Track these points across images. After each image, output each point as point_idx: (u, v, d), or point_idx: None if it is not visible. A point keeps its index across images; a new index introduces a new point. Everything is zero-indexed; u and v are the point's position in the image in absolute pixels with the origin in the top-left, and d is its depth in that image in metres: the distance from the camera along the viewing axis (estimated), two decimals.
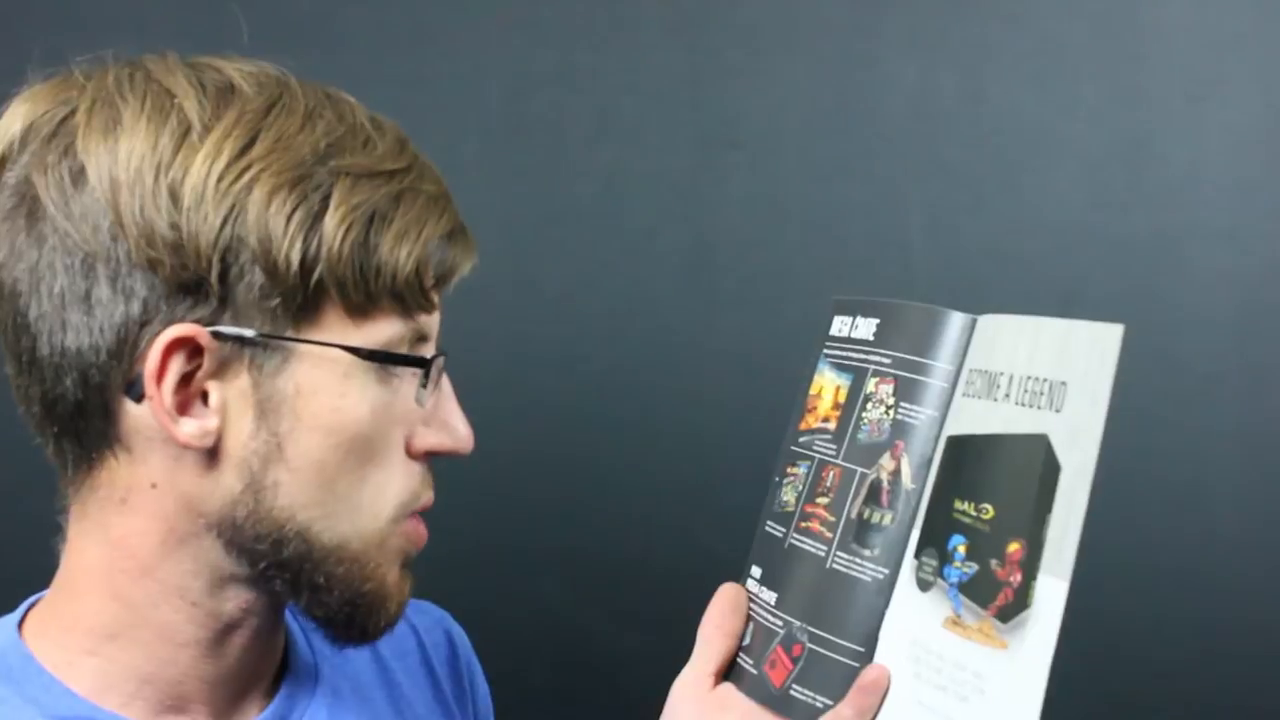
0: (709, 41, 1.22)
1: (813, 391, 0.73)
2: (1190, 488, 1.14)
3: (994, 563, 0.61)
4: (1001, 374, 0.64)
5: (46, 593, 0.66)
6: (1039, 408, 0.61)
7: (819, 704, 0.66)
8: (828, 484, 0.70)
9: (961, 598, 0.62)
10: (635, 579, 1.23)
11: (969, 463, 0.65)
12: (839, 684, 0.66)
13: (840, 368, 0.72)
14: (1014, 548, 0.60)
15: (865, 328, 0.71)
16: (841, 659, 0.66)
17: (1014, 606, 0.60)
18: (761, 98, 1.21)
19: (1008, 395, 0.63)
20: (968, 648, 0.62)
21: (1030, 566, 0.59)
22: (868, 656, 0.66)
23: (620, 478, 1.23)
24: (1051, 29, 1.16)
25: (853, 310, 0.72)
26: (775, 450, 1.20)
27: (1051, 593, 0.58)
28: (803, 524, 0.71)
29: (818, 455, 0.71)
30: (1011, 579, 0.60)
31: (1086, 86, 1.16)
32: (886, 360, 0.69)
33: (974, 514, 0.63)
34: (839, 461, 0.70)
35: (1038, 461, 0.60)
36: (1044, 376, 0.61)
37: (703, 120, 1.22)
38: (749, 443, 1.21)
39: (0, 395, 0.64)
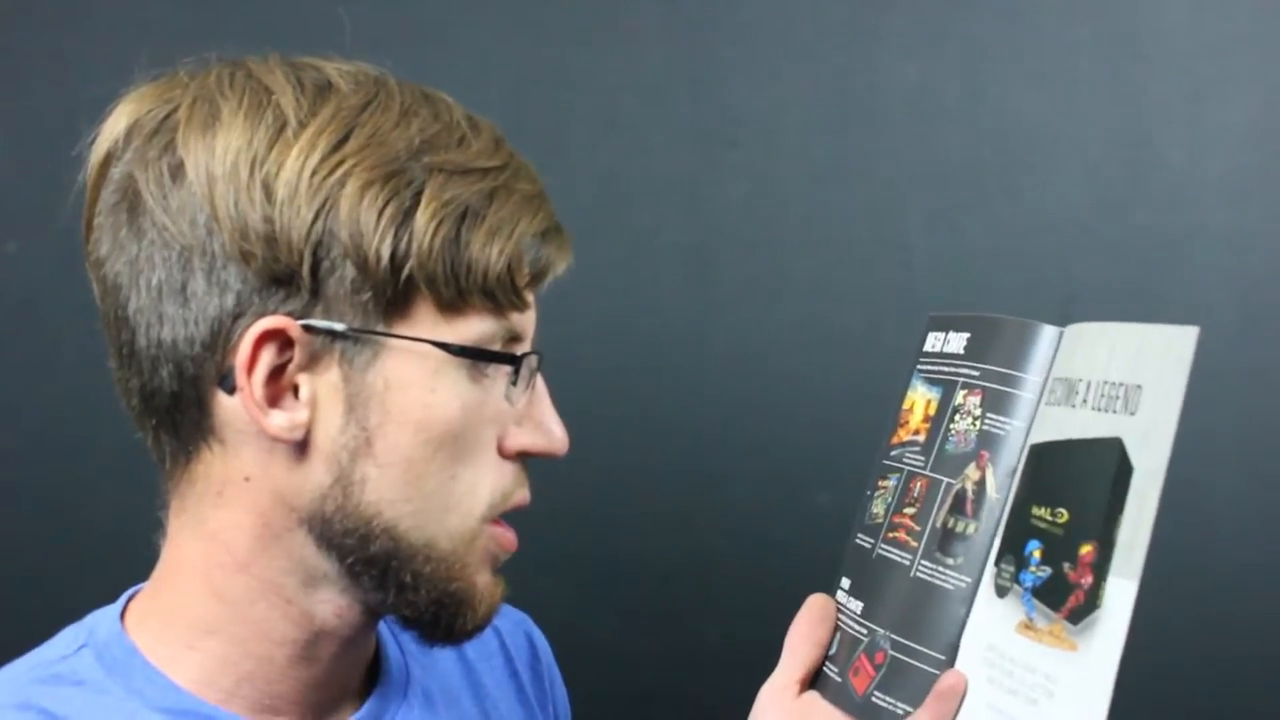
0: (709, 41, 1.22)
1: (905, 406, 0.74)
2: (1190, 487, 1.14)
3: (1067, 565, 0.61)
4: (1080, 380, 0.64)
5: (145, 585, 0.67)
6: (1114, 412, 0.61)
7: (899, 711, 0.67)
8: (915, 494, 0.71)
9: (1035, 601, 0.63)
10: (635, 578, 1.23)
11: (1047, 469, 0.65)
12: (920, 691, 0.66)
13: (931, 382, 0.72)
14: (1086, 550, 0.60)
15: (956, 342, 0.72)
16: (923, 666, 0.67)
17: (1085, 608, 0.60)
18: (761, 98, 1.21)
19: (1085, 401, 0.63)
20: (1039, 650, 0.62)
21: (1101, 568, 0.60)
22: (949, 664, 0.66)
23: (620, 477, 1.23)
24: (1051, 29, 1.16)
25: (946, 326, 0.73)
26: (775, 448, 1.21)
27: (1121, 594, 0.58)
28: (890, 534, 0.71)
29: (907, 467, 0.72)
30: (1083, 581, 0.60)
31: (1086, 86, 1.16)
32: (975, 373, 0.70)
33: (1050, 519, 0.63)
34: (926, 472, 0.71)
35: (1111, 464, 0.60)
36: (1120, 381, 0.62)
37: (703, 120, 1.22)
38: (749, 442, 1.22)
39: (102, 396, 0.64)
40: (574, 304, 1.23)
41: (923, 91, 1.18)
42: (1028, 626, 0.63)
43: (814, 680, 0.72)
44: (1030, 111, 1.17)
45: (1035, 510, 0.64)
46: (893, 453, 0.74)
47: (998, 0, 1.17)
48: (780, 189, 1.21)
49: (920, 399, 0.73)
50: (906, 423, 0.73)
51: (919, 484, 0.71)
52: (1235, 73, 1.14)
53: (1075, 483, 0.63)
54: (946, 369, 0.72)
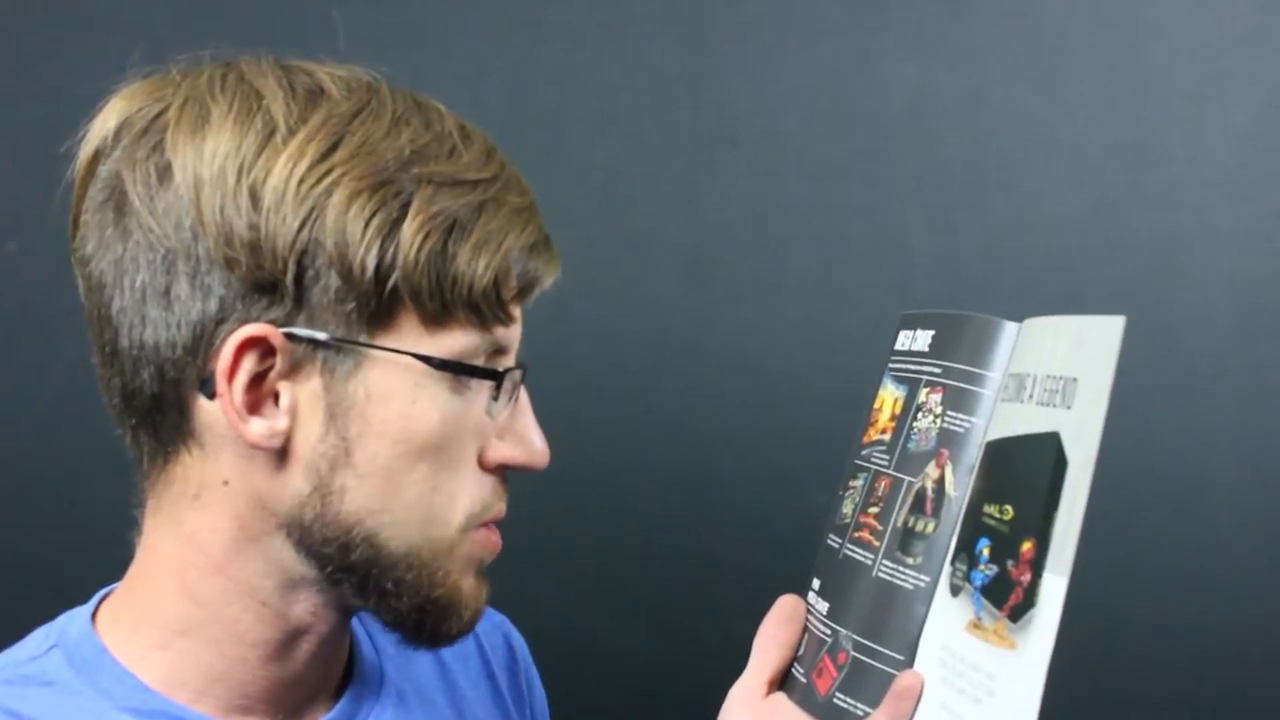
0: (709, 41, 1.21)
1: (876, 406, 0.74)
2: (1190, 487, 1.14)
3: (1010, 563, 0.61)
4: (1028, 375, 0.64)
5: (119, 585, 0.67)
6: (1054, 405, 0.61)
7: (860, 711, 0.66)
8: (879, 494, 0.71)
9: (983, 600, 0.62)
10: (634, 578, 1.23)
11: (997, 466, 0.65)
12: (880, 692, 0.66)
13: (899, 380, 0.72)
14: (1027, 547, 0.60)
15: (922, 340, 0.72)
16: (883, 667, 0.67)
17: (1023, 605, 0.60)
18: (761, 97, 1.21)
19: (1031, 396, 0.63)
20: (984, 649, 0.62)
21: (1038, 565, 0.59)
22: (908, 664, 0.66)
23: (619, 477, 1.23)
24: (1051, 29, 1.16)
25: (915, 324, 0.73)
26: (775, 449, 1.21)
27: (1053, 590, 0.58)
28: (855, 534, 0.71)
29: (874, 466, 0.72)
30: (1022, 578, 0.60)
31: (1086, 86, 1.16)
32: (938, 370, 0.70)
33: (998, 516, 0.63)
34: (890, 471, 0.70)
35: (1050, 459, 0.60)
36: (1060, 374, 0.61)
37: (703, 120, 1.22)
38: (748, 442, 1.21)
39: (76, 394, 0.64)
40: (574, 304, 1.23)
41: (923, 91, 1.18)
42: (976, 625, 0.63)
43: (783, 682, 0.72)
44: (1030, 111, 1.17)
45: (987, 508, 0.64)
46: (863, 452, 0.74)
47: (998, 0, 1.17)
48: (780, 189, 1.21)
49: (889, 398, 0.73)
50: (875, 422, 0.73)
51: (883, 483, 0.71)
52: (1235, 73, 1.13)
53: (1019, 479, 0.63)
54: (913, 367, 0.71)
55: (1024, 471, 0.63)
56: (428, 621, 0.64)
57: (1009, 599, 0.61)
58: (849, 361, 1.18)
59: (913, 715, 0.64)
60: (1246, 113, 1.13)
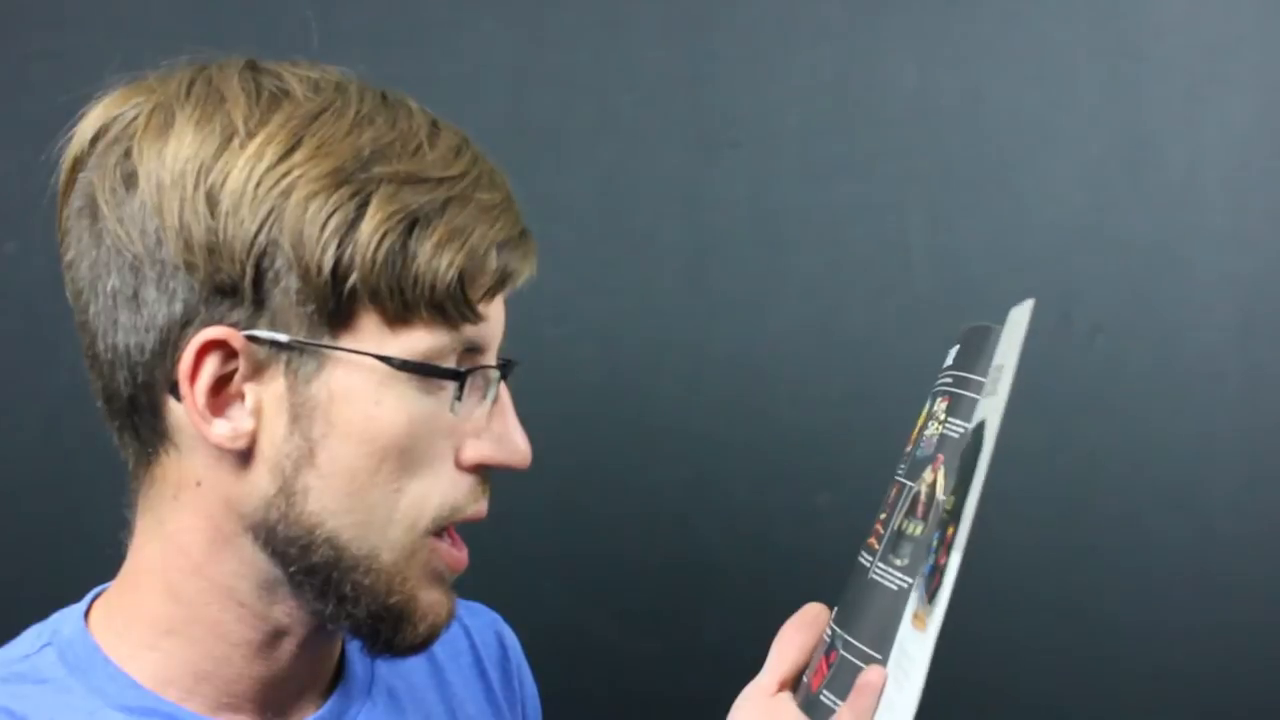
0: (709, 41, 1.21)
1: (919, 422, 0.75)
2: (1190, 488, 1.14)
3: (941, 549, 0.62)
4: (991, 368, 0.66)
5: (111, 584, 0.68)
6: (991, 395, 0.63)
7: (837, 708, 0.67)
8: (889, 500, 0.72)
9: (923, 589, 0.63)
10: (634, 580, 1.23)
11: (954, 461, 0.67)
12: None
13: (933, 394, 0.74)
14: (950, 531, 0.61)
15: (953, 354, 0.73)
16: (862, 665, 0.67)
17: (939, 587, 0.61)
18: (761, 98, 1.21)
19: (983, 388, 0.65)
20: (912, 635, 0.63)
21: (951, 546, 0.60)
22: (884, 662, 0.67)
23: (619, 478, 1.23)
24: (1051, 29, 1.16)
25: (958, 339, 0.74)
26: (775, 449, 1.21)
27: (954, 568, 0.59)
28: (867, 540, 0.72)
29: (895, 477, 0.73)
30: (942, 561, 0.61)
31: (1086, 86, 1.16)
32: (949, 380, 0.71)
33: (947, 508, 0.64)
34: (901, 478, 0.72)
35: (977, 445, 0.62)
36: (999, 364, 0.63)
37: (703, 120, 1.22)
38: (748, 443, 1.21)
39: (75, 395, 0.65)
40: (573, 304, 1.23)
41: (923, 91, 1.18)
42: (916, 616, 0.63)
43: (796, 685, 0.73)
44: (1030, 111, 1.17)
45: (945, 502, 0.65)
46: (898, 466, 0.75)
47: (998, 0, 1.17)
48: (780, 189, 1.21)
49: (924, 411, 0.74)
50: (912, 436, 0.75)
51: (894, 490, 0.72)
52: (1235, 73, 1.13)
53: (961, 469, 0.64)
54: (941, 380, 0.73)
55: (962, 461, 0.64)
56: (383, 630, 0.64)
57: (933, 583, 0.62)
58: (849, 362, 1.18)
59: (874, 710, 0.64)
60: (1246, 113, 1.13)
